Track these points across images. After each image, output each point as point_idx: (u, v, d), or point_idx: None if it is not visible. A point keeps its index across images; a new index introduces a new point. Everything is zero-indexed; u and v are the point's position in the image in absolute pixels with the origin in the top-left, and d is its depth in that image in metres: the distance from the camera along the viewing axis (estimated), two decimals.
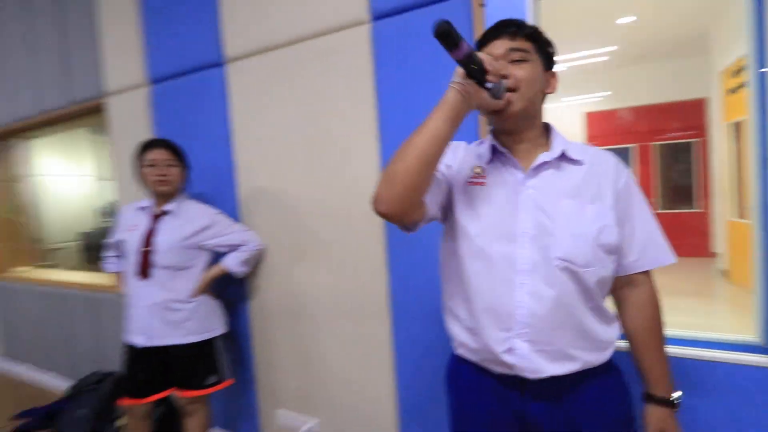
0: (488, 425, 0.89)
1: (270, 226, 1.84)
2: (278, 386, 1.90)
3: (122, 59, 2.20)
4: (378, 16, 1.51)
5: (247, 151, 1.87)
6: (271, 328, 1.89)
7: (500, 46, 0.83)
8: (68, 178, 4.27)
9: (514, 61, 0.82)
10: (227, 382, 1.78)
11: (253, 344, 1.95)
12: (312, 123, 1.68)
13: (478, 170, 0.90)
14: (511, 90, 0.81)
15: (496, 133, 0.91)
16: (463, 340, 0.92)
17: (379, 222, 1.55)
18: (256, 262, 1.86)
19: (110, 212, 4.42)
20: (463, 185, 0.91)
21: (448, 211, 0.93)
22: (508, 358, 0.83)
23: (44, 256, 3.58)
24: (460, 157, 0.94)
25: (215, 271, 1.74)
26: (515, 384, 0.85)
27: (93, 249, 4.02)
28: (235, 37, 1.84)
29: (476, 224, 0.86)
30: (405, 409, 1.60)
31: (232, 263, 1.75)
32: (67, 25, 2.46)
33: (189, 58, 1.98)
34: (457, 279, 0.91)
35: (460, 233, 0.89)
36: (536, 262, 0.81)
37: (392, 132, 1.51)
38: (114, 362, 2.42)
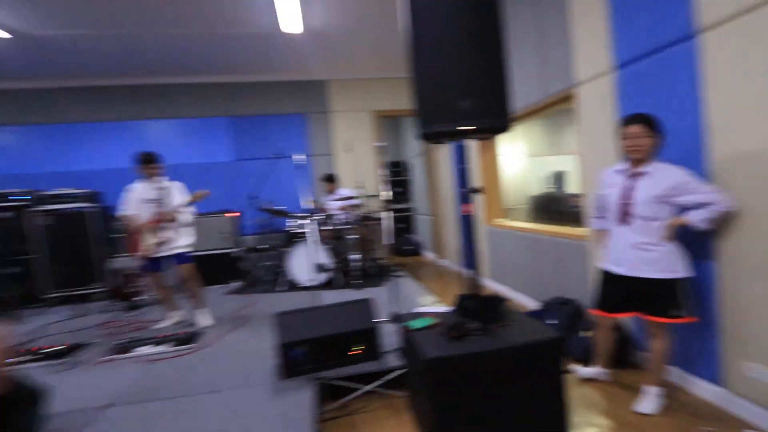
0: None
1: (751, 187, 1.86)
2: (750, 339, 1.94)
3: (590, 52, 2.74)
4: None
5: (723, 115, 1.94)
6: (746, 283, 1.93)
7: None
8: (513, 157, 5.59)
9: None
10: (689, 319, 2.03)
11: (719, 294, 2.07)
12: None
13: None
14: None
15: None
16: None
17: None
18: (721, 221, 1.96)
19: (555, 180, 5.43)
20: None
21: None
22: None
23: (507, 213, 4.93)
24: None
25: (679, 221, 2.01)
26: None
27: (539, 209, 5.12)
28: (710, 4, 1.93)
29: None
30: None
31: (696, 218, 1.96)
32: (546, 29, 3.20)
33: (654, 40, 2.23)
34: None
35: None
36: None
37: None
38: (572, 292, 3.15)
